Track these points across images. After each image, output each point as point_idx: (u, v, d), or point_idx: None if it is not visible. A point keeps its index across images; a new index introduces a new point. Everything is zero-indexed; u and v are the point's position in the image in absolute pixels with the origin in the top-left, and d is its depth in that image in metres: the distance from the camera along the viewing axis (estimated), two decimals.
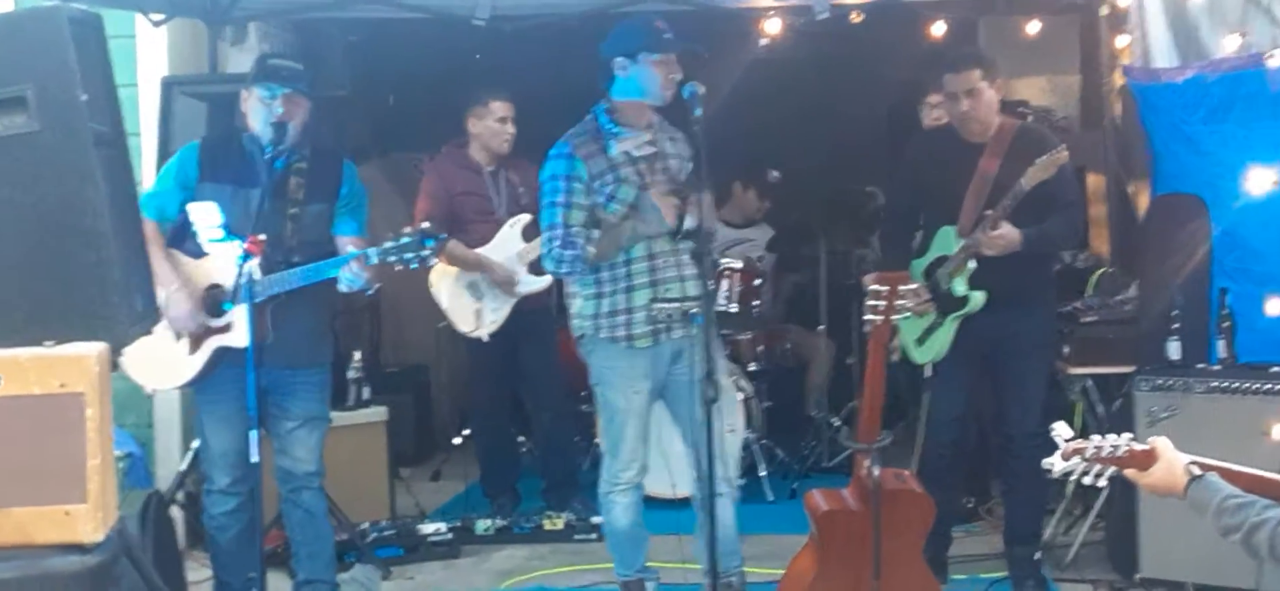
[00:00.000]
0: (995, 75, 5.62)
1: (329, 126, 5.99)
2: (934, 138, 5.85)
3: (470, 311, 7.01)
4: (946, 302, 5.55)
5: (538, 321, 7.14)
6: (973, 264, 5.47)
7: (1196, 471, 3.33)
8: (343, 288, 5.08)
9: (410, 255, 4.89)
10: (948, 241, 5.58)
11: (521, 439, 8.24)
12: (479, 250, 6.96)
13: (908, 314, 5.11)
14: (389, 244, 4.90)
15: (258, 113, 5.12)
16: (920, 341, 5.71)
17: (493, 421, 7.54)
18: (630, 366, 5.16)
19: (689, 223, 4.98)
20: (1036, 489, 5.82)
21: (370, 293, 5.32)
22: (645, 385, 5.16)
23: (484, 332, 6.99)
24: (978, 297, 5.47)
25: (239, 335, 4.94)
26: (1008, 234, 5.38)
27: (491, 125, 7.04)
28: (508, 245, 6.95)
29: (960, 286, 5.51)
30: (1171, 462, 3.36)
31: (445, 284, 7.09)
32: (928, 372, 5.79)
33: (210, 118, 6.52)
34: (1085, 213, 5.71)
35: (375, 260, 4.94)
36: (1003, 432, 5.81)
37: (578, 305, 5.26)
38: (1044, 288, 5.78)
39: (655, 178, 5.10)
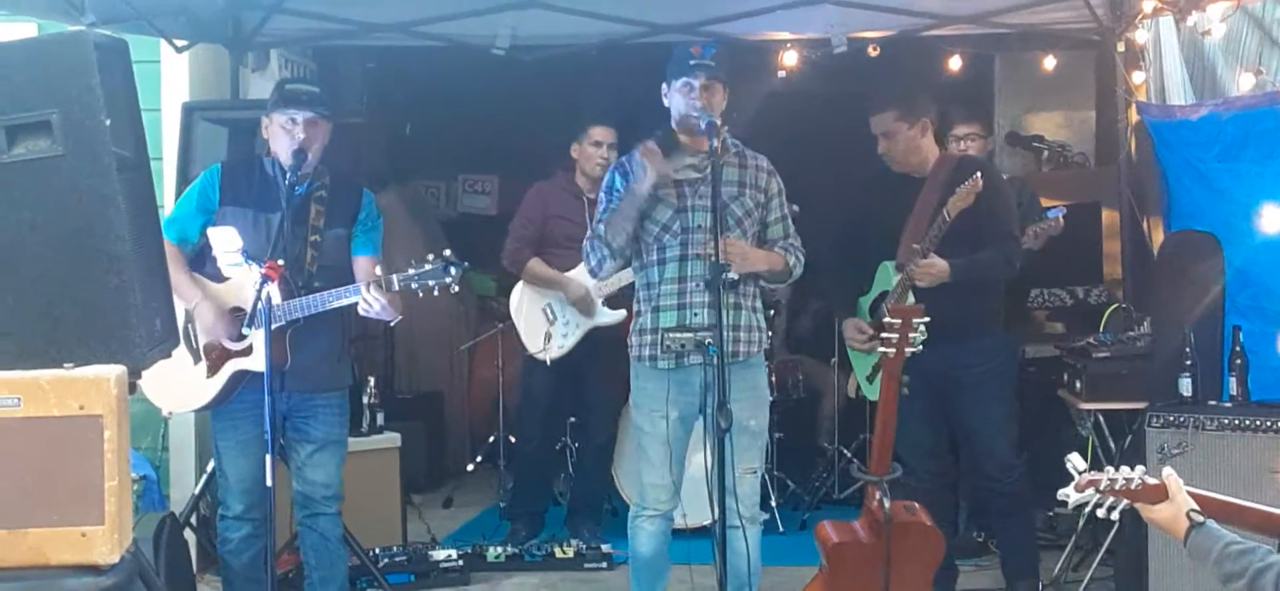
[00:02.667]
0: (917, 117, 5.73)
1: (347, 153, 6.02)
2: (877, 178, 5.88)
3: (540, 332, 7.10)
4: None
5: (606, 350, 7.12)
6: (911, 298, 5.49)
7: (1197, 518, 3.33)
8: (363, 311, 5.08)
9: (433, 281, 4.93)
10: (887, 277, 5.64)
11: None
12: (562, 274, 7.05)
13: (858, 350, 5.15)
14: (412, 272, 4.95)
15: (279, 138, 5.17)
16: (871, 378, 5.73)
17: (541, 443, 7.57)
18: (657, 388, 5.16)
19: (729, 272, 4.99)
20: (1025, 519, 5.86)
21: (392, 323, 5.33)
22: (672, 411, 5.15)
23: (548, 356, 7.07)
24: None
25: (259, 358, 4.97)
26: (937, 265, 5.45)
27: (587, 150, 7.13)
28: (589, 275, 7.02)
29: None
30: (1178, 504, 3.36)
31: (523, 301, 7.20)
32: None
33: (231, 142, 6.57)
34: (1019, 244, 5.74)
35: (397, 286, 4.97)
36: (982, 471, 5.83)
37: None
38: (986, 318, 5.83)
39: (694, 202, 5.11)
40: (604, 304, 7.03)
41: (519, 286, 7.23)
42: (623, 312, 6.93)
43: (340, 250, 5.28)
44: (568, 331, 7.05)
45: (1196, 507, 3.34)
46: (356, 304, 5.04)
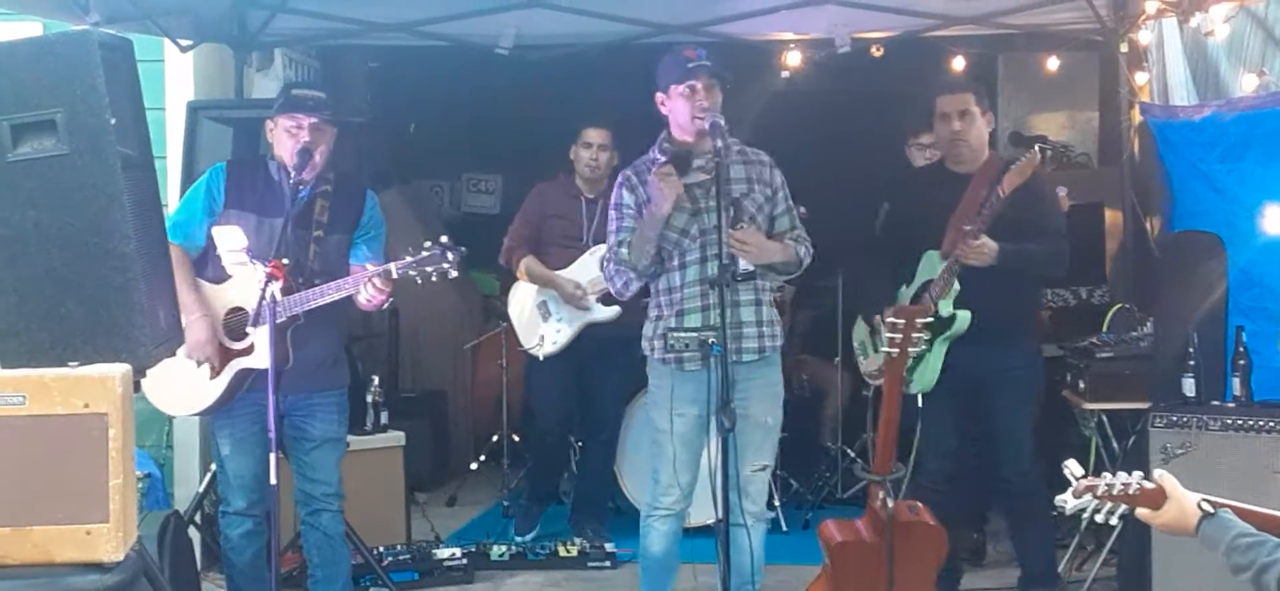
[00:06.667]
0: (987, 106, 5.67)
1: (350, 152, 6.03)
2: (922, 174, 5.86)
3: (535, 330, 7.15)
4: (934, 325, 5.56)
5: (612, 347, 7.12)
6: (957, 285, 5.48)
7: (1208, 509, 3.34)
8: (362, 301, 5.10)
9: (431, 267, 4.94)
10: (932, 265, 5.60)
11: None
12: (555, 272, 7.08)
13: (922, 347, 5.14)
14: (410, 259, 4.95)
15: (283, 141, 5.18)
16: (909, 371, 5.72)
17: (555, 433, 7.58)
18: (677, 388, 5.17)
19: (743, 265, 5.03)
20: (1044, 526, 5.81)
21: (386, 307, 5.31)
22: (691, 410, 5.14)
23: (542, 352, 7.11)
24: (964, 316, 5.47)
25: (261, 357, 4.97)
26: (986, 244, 5.40)
27: (579, 152, 7.13)
28: (584, 272, 7.03)
29: (946, 307, 5.52)
30: (1181, 500, 3.36)
31: (518, 298, 7.26)
32: (919, 404, 5.81)
33: (235, 142, 6.58)
34: (1067, 244, 5.71)
35: (396, 274, 4.98)
36: (998, 476, 5.78)
37: (645, 328, 5.34)
38: (1026, 321, 5.83)
39: (707, 204, 5.07)
40: (598, 300, 7.05)
41: (516, 285, 7.28)
42: (616, 309, 6.96)
43: (341, 253, 5.29)
44: (562, 328, 7.07)
45: (1208, 499, 3.35)
46: (355, 296, 5.08)
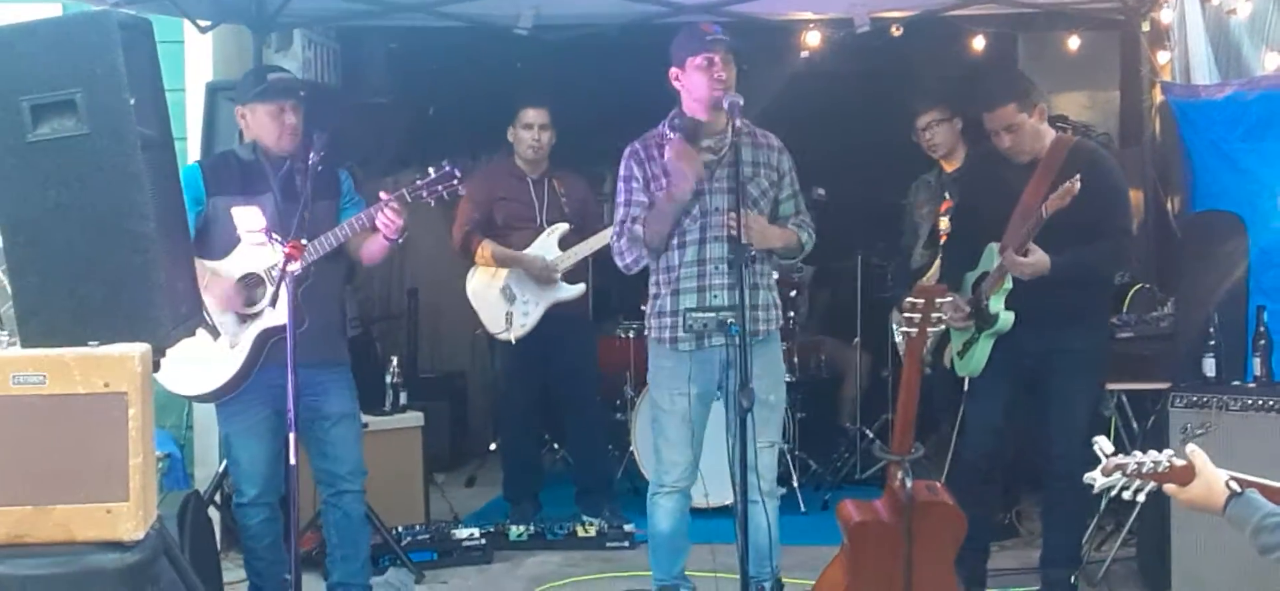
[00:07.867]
0: (1034, 101, 5.52)
1: (370, 134, 6.05)
2: (987, 156, 5.78)
3: (501, 314, 7.11)
4: (982, 319, 5.54)
5: (574, 327, 7.23)
6: (1009, 283, 5.44)
7: (1236, 488, 3.32)
8: (381, 230, 5.15)
9: (442, 186, 5.06)
10: (992, 258, 5.57)
11: (557, 446, 8.34)
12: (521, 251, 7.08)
13: (943, 326, 5.12)
14: (420, 181, 5.08)
15: (267, 125, 5.25)
16: (961, 354, 5.71)
17: (520, 426, 7.62)
18: (675, 368, 5.19)
19: (749, 245, 4.98)
20: (1076, 513, 5.77)
21: (400, 241, 5.32)
22: (691, 388, 5.17)
23: (512, 336, 7.08)
24: (1007, 318, 5.44)
25: (279, 312, 4.98)
26: (1038, 259, 5.30)
27: (520, 133, 7.13)
28: (543, 252, 7.02)
29: (996, 304, 5.49)
30: (1210, 478, 3.35)
31: (479, 285, 7.21)
32: (966, 386, 5.80)
33: None
34: (1132, 238, 5.62)
35: (410, 199, 5.07)
36: (1044, 453, 5.74)
37: (647, 307, 5.37)
38: (1091, 307, 5.66)
39: (712, 184, 5.08)
40: (562, 279, 7.08)
41: (474, 271, 7.23)
42: (581, 287, 7.09)
43: (332, 219, 5.32)
44: (528, 309, 7.07)
45: (1236, 476, 3.34)
46: (365, 247, 5.30)
